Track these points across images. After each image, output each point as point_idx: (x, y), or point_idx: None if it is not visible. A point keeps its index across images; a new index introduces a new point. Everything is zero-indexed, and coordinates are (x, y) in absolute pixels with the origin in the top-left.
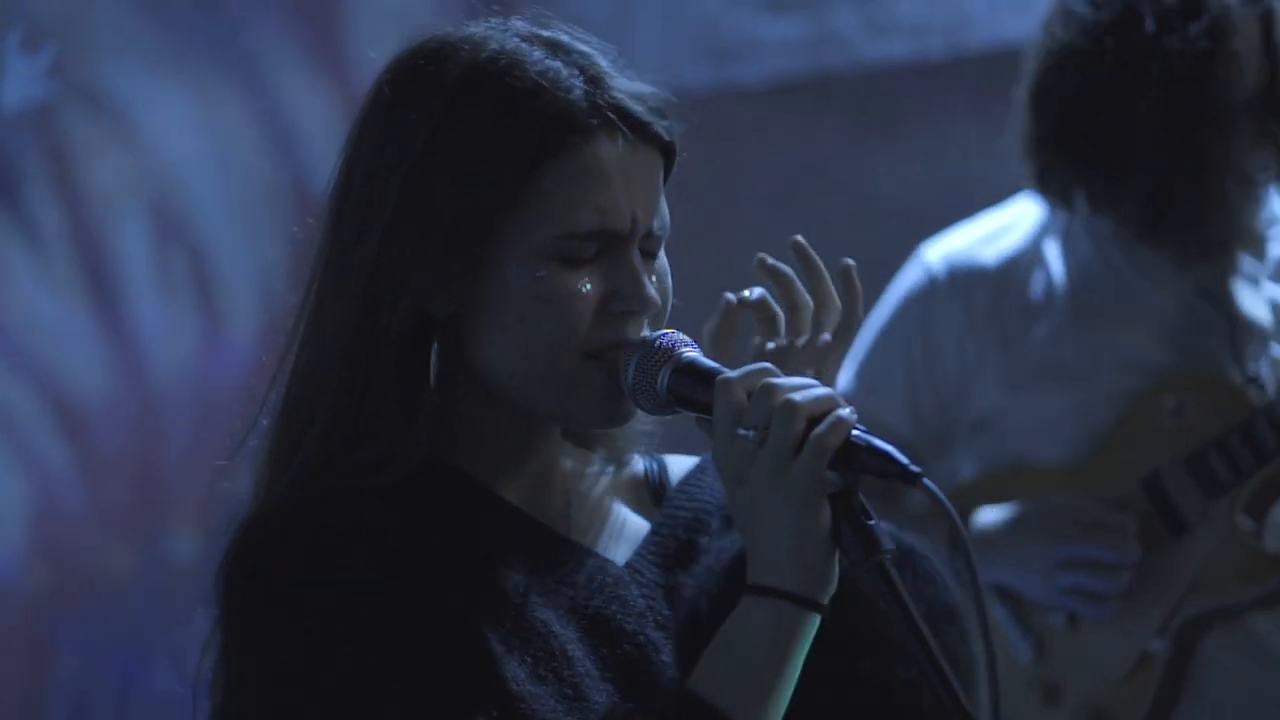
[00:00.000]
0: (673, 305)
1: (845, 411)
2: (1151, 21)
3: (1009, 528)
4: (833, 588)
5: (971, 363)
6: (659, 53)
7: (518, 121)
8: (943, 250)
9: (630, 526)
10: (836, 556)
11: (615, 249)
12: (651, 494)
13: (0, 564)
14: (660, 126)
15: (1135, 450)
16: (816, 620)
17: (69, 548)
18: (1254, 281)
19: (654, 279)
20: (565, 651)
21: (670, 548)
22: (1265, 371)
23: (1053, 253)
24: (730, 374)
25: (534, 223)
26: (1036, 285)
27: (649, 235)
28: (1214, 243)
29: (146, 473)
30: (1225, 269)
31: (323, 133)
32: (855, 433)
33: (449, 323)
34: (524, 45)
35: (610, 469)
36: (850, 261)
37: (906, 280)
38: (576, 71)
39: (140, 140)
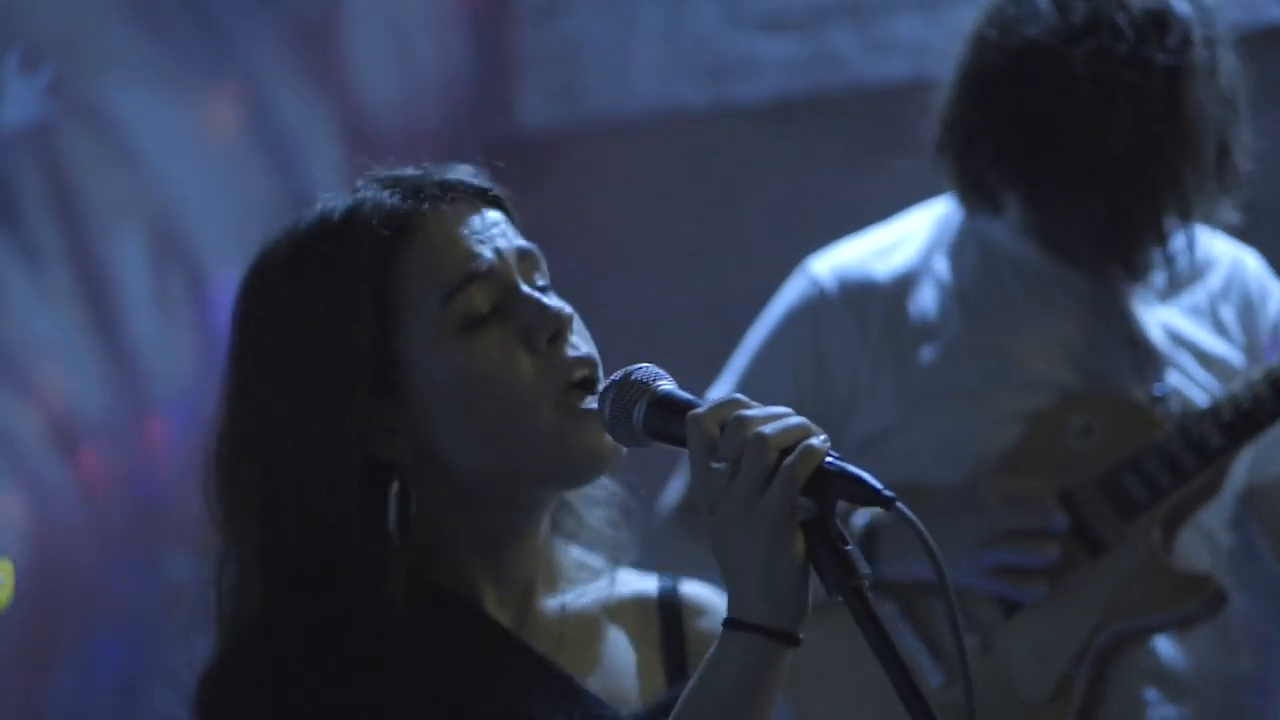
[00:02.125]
0: (664, 326)
1: (817, 440)
2: (1131, 30)
3: (923, 513)
4: (804, 619)
5: (864, 380)
6: (657, 72)
7: (351, 257)
8: (831, 263)
9: (628, 660)
10: (810, 588)
11: (503, 292)
12: (661, 622)
13: None
14: (480, 184)
15: (1042, 471)
16: (790, 653)
17: (66, 567)
18: (1145, 303)
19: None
20: None
21: None
22: (1167, 392)
23: (943, 269)
24: (701, 408)
25: (416, 313)
26: (929, 303)
27: (523, 256)
28: (1142, 266)
29: (144, 492)
30: (1120, 290)
31: (321, 150)
32: (829, 459)
33: (413, 461)
34: (329, 201)
35: (610, 581)
36: None
37: (791, 292)
38: (382, 188)
39: (139, 159)
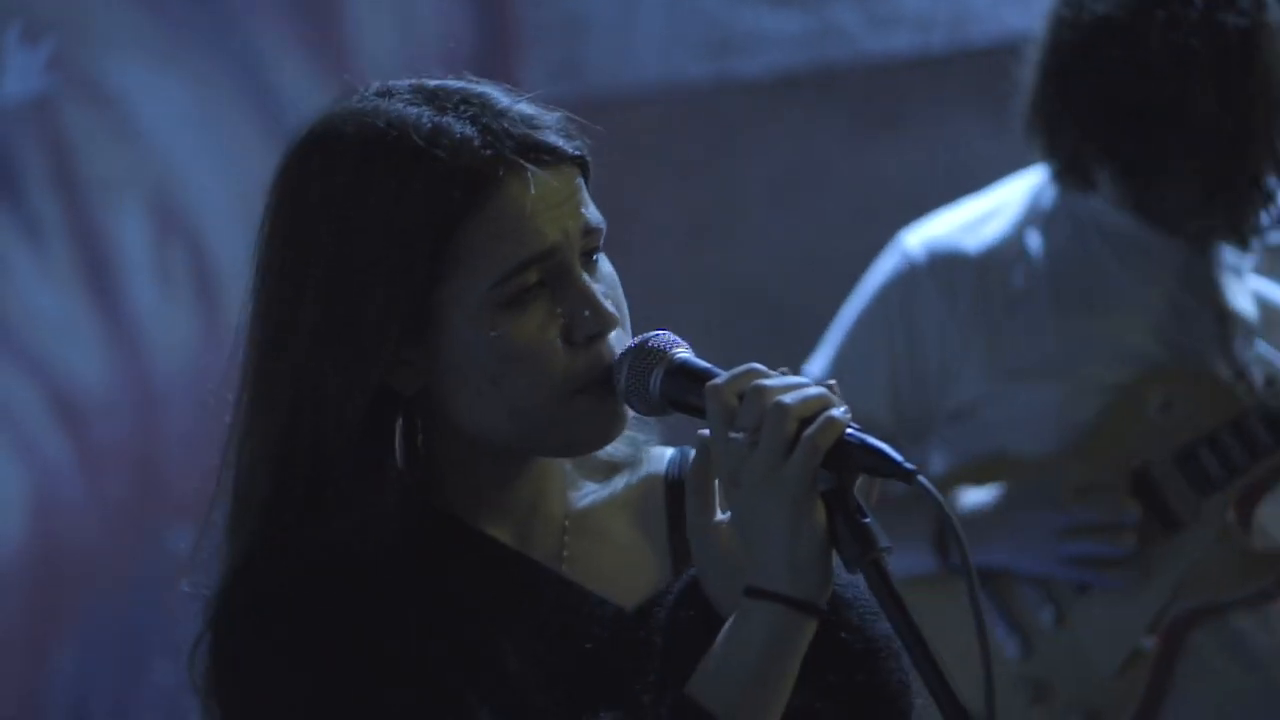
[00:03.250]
0: (666, 300)
1: (837, 411)
2: None
3: (1000, 503)
4: (829, 590)
5: (954, 351)
6: (661, 46)
7: (421, 197)
8: (923, 236)
9: (632, 548)
10: (833, 558)
11: (557, 272)
12: (667, 494)
13: None
14: (564, 145)
15: (1121, 444)
16: (813, 624)
17: (68, 540)
18: (1237, 273)
19: (604, 289)
20: (544, 712)
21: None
22: (1252, 366)
23: (1034, 241)
24: (719, 378)
25: (468, 283)
26: (1018, 274)
27: (587, 233)
28: (1247, 230)
29: (145, 466)
30: (1211, 260)
31: None
32: (849, 431)
33: (418, 395)
34: (410, 110)
35: (626, 471)
36: None
37: (885, 266)
38: (468, 122)
39: (139, 133)
